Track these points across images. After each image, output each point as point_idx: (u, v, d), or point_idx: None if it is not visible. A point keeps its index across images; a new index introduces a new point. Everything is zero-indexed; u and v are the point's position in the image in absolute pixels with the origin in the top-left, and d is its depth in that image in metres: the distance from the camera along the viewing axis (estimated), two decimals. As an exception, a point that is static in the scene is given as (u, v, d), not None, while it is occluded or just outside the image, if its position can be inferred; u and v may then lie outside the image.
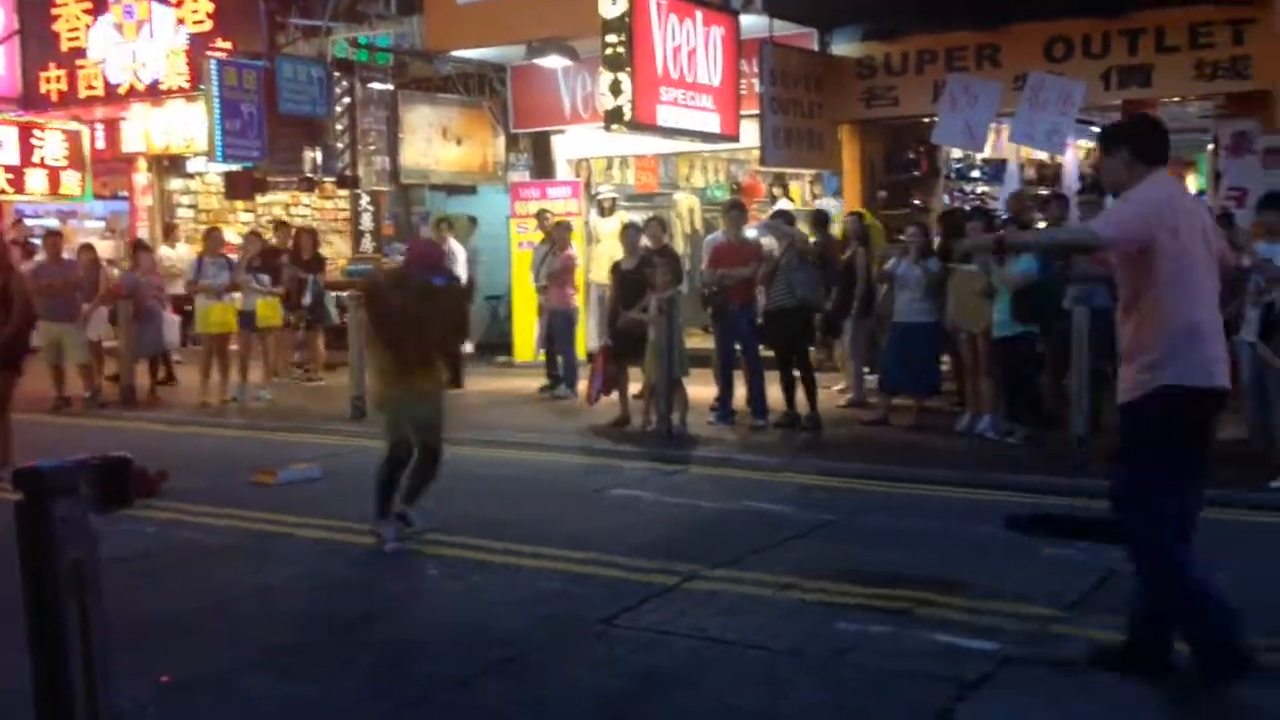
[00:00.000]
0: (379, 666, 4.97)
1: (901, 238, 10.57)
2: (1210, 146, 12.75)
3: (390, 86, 15.62)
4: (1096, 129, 15.67)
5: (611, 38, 11.44)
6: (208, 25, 16.79)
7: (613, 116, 11.60)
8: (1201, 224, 4.48)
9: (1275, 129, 11.09)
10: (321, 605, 5.89)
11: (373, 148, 15.44)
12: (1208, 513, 7.19)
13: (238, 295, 12.75)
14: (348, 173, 15.54)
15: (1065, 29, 12.43)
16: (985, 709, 4.42)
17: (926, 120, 12.89)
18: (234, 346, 12.88)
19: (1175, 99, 13.06)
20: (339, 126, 15.46)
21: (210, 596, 6.04)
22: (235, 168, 15.90)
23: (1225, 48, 11.69)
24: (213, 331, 12.50)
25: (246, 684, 4.81)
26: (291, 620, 5.64)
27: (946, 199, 14.71)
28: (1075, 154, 16.22)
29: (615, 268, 11.15)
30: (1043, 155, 15.16)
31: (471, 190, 16.85)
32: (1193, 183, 16.56)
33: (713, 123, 12.65)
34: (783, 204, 13.97)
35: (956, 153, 14.44)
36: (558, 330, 12.74)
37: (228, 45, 16.20)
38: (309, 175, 16.08)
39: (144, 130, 18.12)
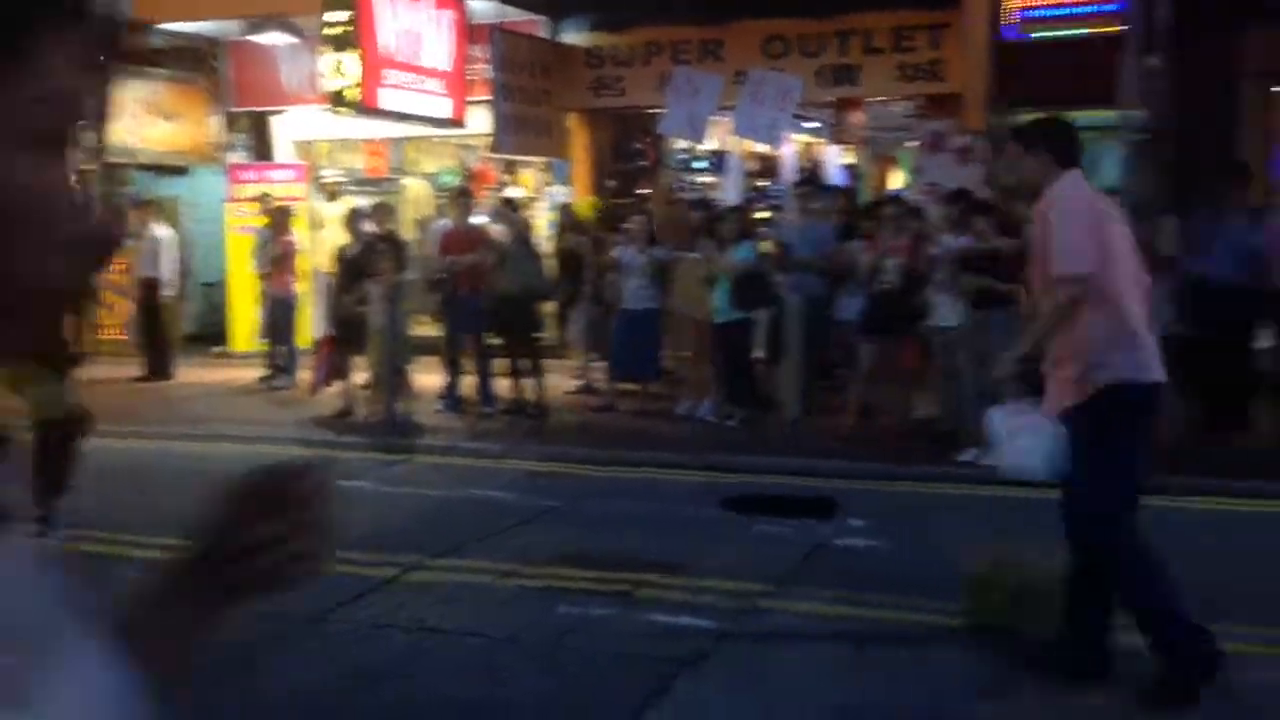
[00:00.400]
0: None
1: (627, 226, 10.74)
2: (911, 144, 13.58)
3: (94, 58, 14.58)
4: (813, 124, 16.50)
5: (335, 16, 11.10)
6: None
7: (336, 98, 11.27)
8: (1117, 217, 4.55)
9: (968, 129, 11.90)
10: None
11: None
12: (905, 487, 7.71)
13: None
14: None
15: (782, 28, 12.94)
16: (700, 685, 4.55)
17: (653, 111, 13.15)
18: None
19: (881, 98, 13.84)
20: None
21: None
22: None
23: (924, 51, 12.47)
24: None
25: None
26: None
27: (672, 188, 15.07)
28: (793, 147, 16.95)
29: (339, 254, 10.82)
30: (763, 148, 15.76)
31: (183, 171, 15.95)
32: (899, 178, 17.59)
33: (442, 108, 12.48)
34: (511, 191, 13.93)
35: (682, 144, 14.80)
36: (278, 318, 12.26)
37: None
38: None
39: None
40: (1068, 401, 4.42)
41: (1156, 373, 4.37)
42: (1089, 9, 11.26)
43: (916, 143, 13.22)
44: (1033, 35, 10.90)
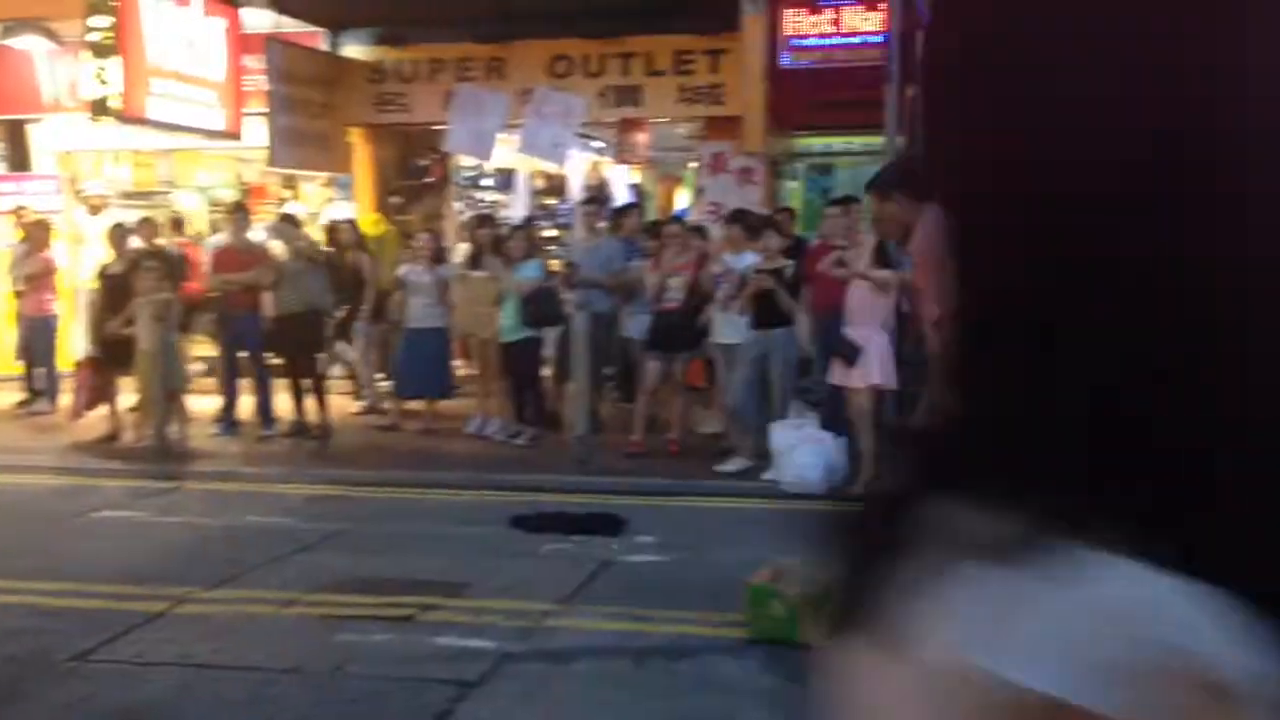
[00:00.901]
0: None
1: (413, 244, 10.60)
2: (694, 164, 13.92)
3: None
4: (597, 143, 16.69)
5: (98, 22, 10.54)
6: None
7: (98, 107, 10.69)
8: None
9: (745, 151, 12.26)
10: None
11: None
12: (692, 502, 7.87)
13: None
14: None
15: (566, 48, 13.04)
16: (483, 706, 4.51)
17: (438, 128, 13.03)
18: None
19: (664, 119, 14.12)
20: None
21: None
22: None
23: (704, 75, 12.78)
24: None
25: None
26: None
27: (459, 206, 14.97)
28: (580, 166, 17.11)
29: (101, 271, 10.27)
30: (550, 166, 15.84)
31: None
32: (682, 197, 17.97)
33: (214, 119, 12.01)
34: (291, 206, 13.55)
35: (468, 161, 14.72)
36: (36, 339, 11.53)
37: None
38: None
39: None
40: None
41: None
42: (855, 40, 11.81)
43: (697, 163, 13.56)
44: (807, 63, 11.34)
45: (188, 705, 4.51)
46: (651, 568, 6.37)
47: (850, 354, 7.60)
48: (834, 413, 8.24)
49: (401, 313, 10.43)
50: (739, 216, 9.32)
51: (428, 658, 5.01)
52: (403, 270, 10.47)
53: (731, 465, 8.45)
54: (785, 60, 11.57)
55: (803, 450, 7.85)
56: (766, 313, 8.32)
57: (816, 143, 12.80)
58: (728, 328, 8.80)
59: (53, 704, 4.52)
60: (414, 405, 10.52)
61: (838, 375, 7.84)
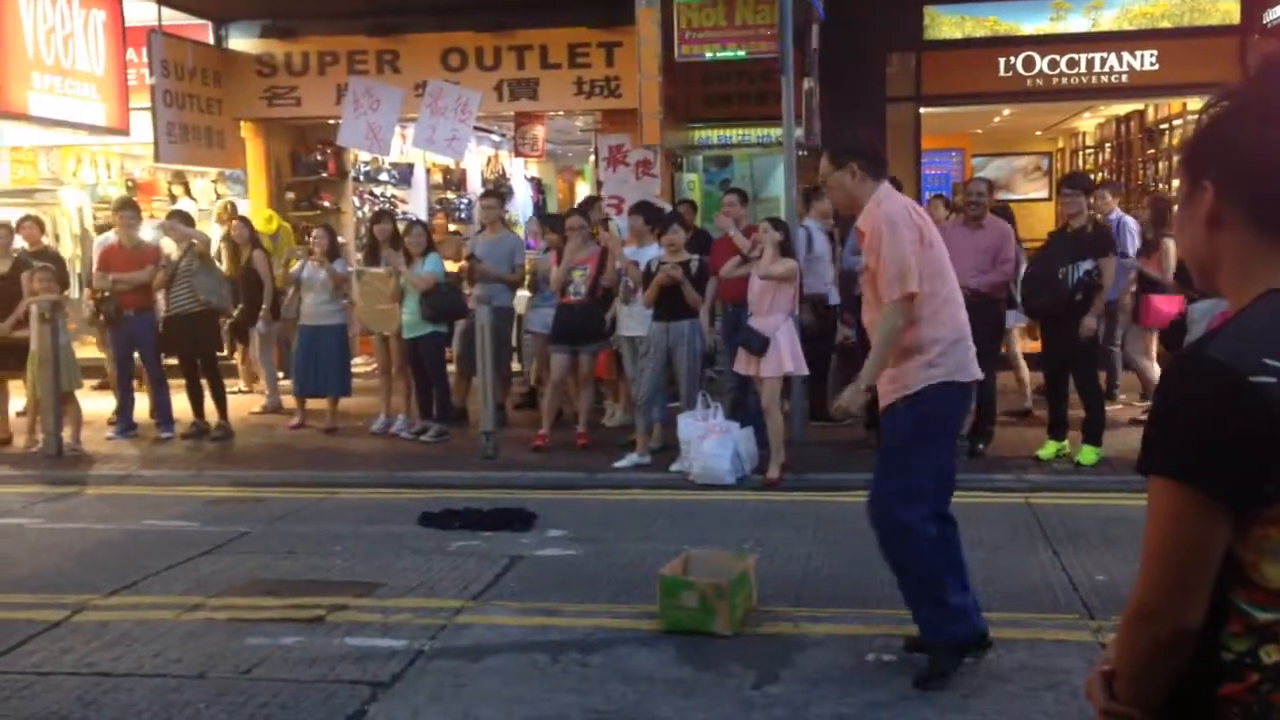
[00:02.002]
0: None
1: (308, 240, 10.45)
2: (592, 157, 13.95)
3: None
4: (496, 136, 16.61)
5: (-30, 14, 10.18)
6: None
7: (-25, 103, 10.32)
8: (929, 221, 4.63)
9: (643, 144, 12.32)
10: None
11: None
12: (602, 495, 7.92)
13: None
14: None
15: (459, 40, 12.97)
16: (396, 705, 4.50)
17: (332, 121, 12.85)
18: None
19: (560, 112, 14.11)
20: None
21: None
22: None
23: (600, 68, 12.83)
24: None
25: None
26: None
27: (356, 201, 14.79)
28: (478, 160, 17.02)
29: (-16, 272, 9.94)
30: (448, 160, 15.72)
31: None
32: (583, 190, 18.00)
33: (97, 114, 11.67)
34: (183, 203, 13.25)
35: (365, 155, 14.54)
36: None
37: None
38: None
39: None
40: (892, 398, 4.54)
41: (978, 372, 4.64)
42: (748, 33, 11.92)
43: (593, 156, 13.60)
44: (703, 56, 11.43)
45: (92, 715, 4.42)
46: (562, 561, 6.40)
47: (758, 345, 7.71)
48: (740, 402, 8.36)
49: (296, 310, 10.29)
50: (641, 209, 9.38)
51: (339, 659, 4.98)
52: (295, 267, 10.33)
53: (627, 461, 8.51)
54: (679, 53, 11.64)
55: (710, 441, 7.95)
56: (671, 305, 8.40)
57: (713, 135, 12.93)
58: (632, 321, 8.86)
59: (-50, 720, 4.40)
60: (317, 404, 10.39)
61: (744, 365, 7.96)
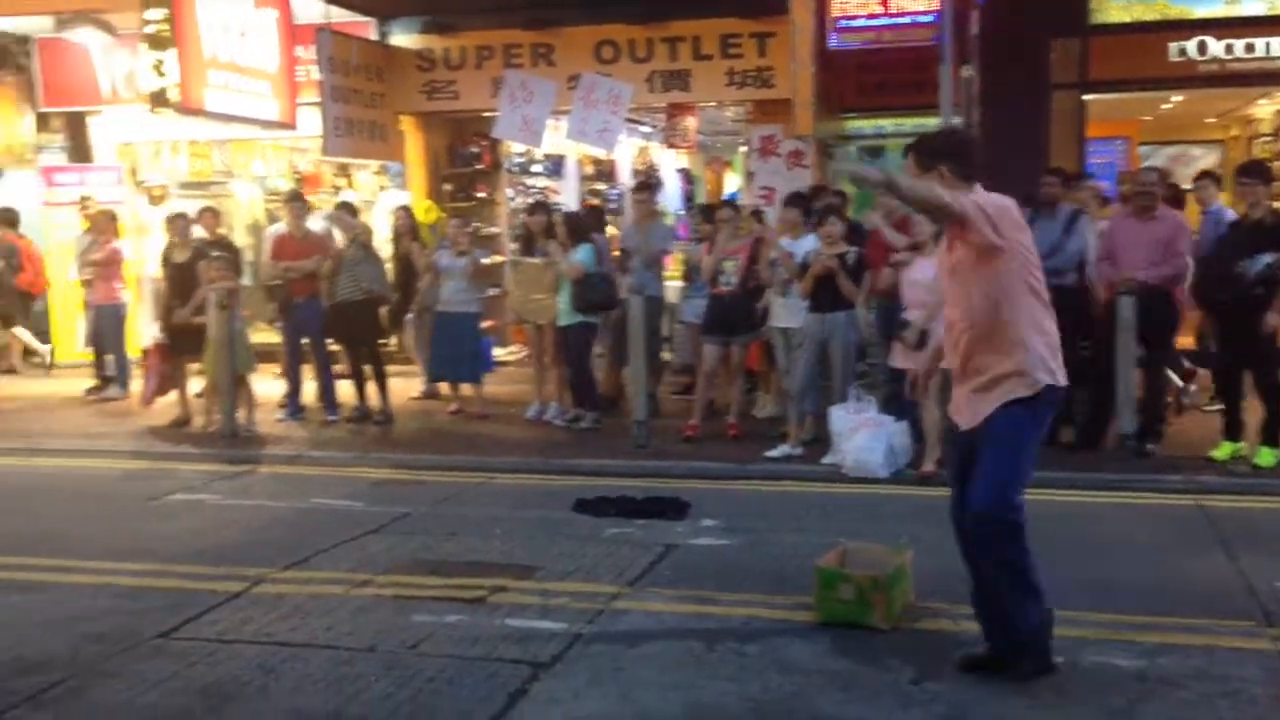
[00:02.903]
0: (-107, 712, 4.41)
1: (449, 230, 10.69)
2: (743, 148, 13.92)
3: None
4: (646, 128, 16.73)
5: (153, 14, 10.71)
6: None
7: (157, 100, 10.85)
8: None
9: (795, 134, 12.25)
10: None
11: None
12: (754, 486, 7.93)
13: None
14: None
15: (613, 33, 13.08)
16: (557, 686, 4.60)
17: (487, 115, 13.12)
18: None
19: (712, 103, 14.12)
20: None
21: None
22: None
23: (752, 58, 12.78)
24: None
25: None
26: None
27: (510, 192, 15.08)
28: (629, 151, 17.17)
29: (167, 261, 10.48)
30: (598, 152, 15.89)
31: (-5, 173, 15.15)
32: (732, 181, 17.98)
33: (269, 109, 12.17)
34: (347, 195, 13.70)
35: (518, 147, 14.81)
36: (105, 327, 11.79)
37: None
38: None
39: None
40: (992, 405, 4.39)
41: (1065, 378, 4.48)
42: (904, 20, 11.72)
43: (746, 147, 13.57)
44: (857, 44, 11.29)
45: (270, 683, 4.63)
46: (716, 551, 6.44)
47: (919, 338, 7.60)
48: (894, 396, 8.26)
49: (433, 297, 10.53)
50: (796, 200, 9.33)
51: (500, 638, 5.10)
52: (436, 255, 10.59)
53: (779, 452, 8.49)
54: (833, 42, 11.51)
55: (863, 434, 7.88)
56: (827, 297, 8.35)
57: (866, 125, 12.77)
58: (786, 312, 8.83)
59: (143, 680, 4.66)
60: (468, 391, 10.64)
61: (901, 358, 7.87)
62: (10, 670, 4.77)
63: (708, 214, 10.23)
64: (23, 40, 14.13)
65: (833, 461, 8.15)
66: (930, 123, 11.08)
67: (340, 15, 12.90)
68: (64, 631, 5.21)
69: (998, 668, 4.56)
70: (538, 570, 6.08)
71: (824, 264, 8.30)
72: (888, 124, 12.79)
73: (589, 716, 4.33)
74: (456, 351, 10.31)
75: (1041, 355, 4.35)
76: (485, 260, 10.50)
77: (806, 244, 8.76)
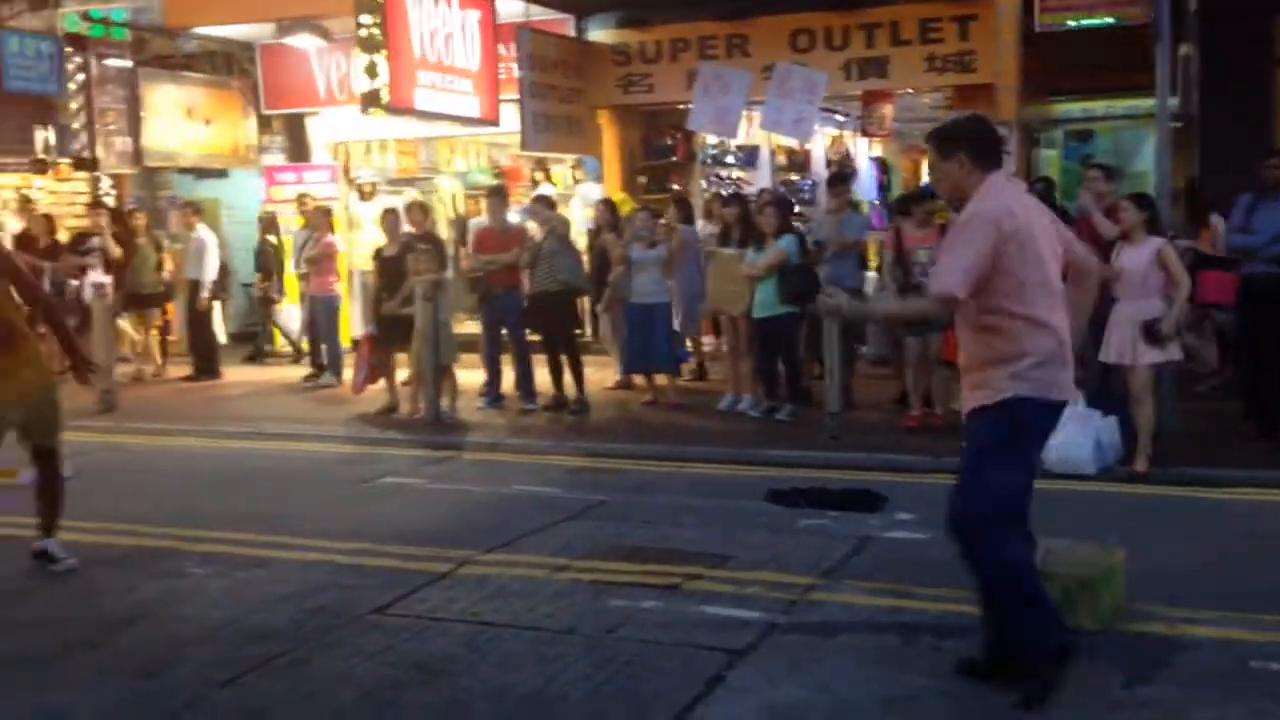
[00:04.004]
0: (139, 672, 4.78)
1: (638, 223, 10.78)
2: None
3: (129, 63, 14.79)
4: (840, 117, 16.52)
5: (366, 19, 11.21)
6: (-80, -6, 15.44)
7: (370, 100, 11.37)
8: (1043, 224, 4.30)
9: (998, 120, 11.90)
10: (75, 611, 5.58)
11: (112, 127, 14.59)
12: (952, 480, 7.75)
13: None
14: (85, 154, 14.62)
15: (808, 21, 12.99)
16: (752, 674, 4.63)
17: (681, 107, 13.23)
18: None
19: (909, 90, 13.85)
20: (74, 105, 14.51)
21: (-54, 610, 5.64)
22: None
23: (953, 43, 12.48)
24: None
25: (-9, 700, 4.54)
26: (44, 628, 5.32)
27: (704, 183, 15.15)
28: (822, 141, 16.98)
29: (377, 254, 10.96)
30: (792, 142, 15.79)
31: (222, 173, 16.16)
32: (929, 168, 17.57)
33: (473, 107, 12.59)
34: (544, 189, 14.03)
35: (712, 139, 14.87)
36: (320, 318, 12.44)
37: (-57, 16, 14.94)
38: (41, 156, 15.06)
39: None
40: (975, 403, 4.40)
41: (1067, 393, 4.33)
42: (1117, -5, 11.24)
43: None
44: (1064, 24, 10.88)
45: (476, 660, 4.81)
46: (912, 544, 6.34)
47: (1152, 334, 7.33)
48: (1102, 390, 7.96)
49: (626, 288, 10.66)
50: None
51: (695, 625, 5.16)
52: (627, 247, 10.70)
53: None
54: (1039, 23, 11.13)
55: (1069, 428, 7.60)
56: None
57: (1075, 108, 12.30)
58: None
59: (355, 653, 4.91)
60: (663, 381, 10.76)
61: (1115, 353, 7.57)
62: (241, 639, 5.10)
63: (903, 205, 10.04)
64: (247, 47, 15.01)
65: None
66: (1145, 104, 10.61)
67: (539, 14, 13.22)
68: (287, 605, 5.53)
69: (997, 674, 4.39)
70: (731, 559, 6.11)
71: None
72: (1098, 106, 12.30)
73: (786, 704, 4.33)
74: (649, 342, 10.43)
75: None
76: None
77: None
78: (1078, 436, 7.58)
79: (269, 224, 13.99)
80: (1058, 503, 7.10)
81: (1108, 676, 4.50)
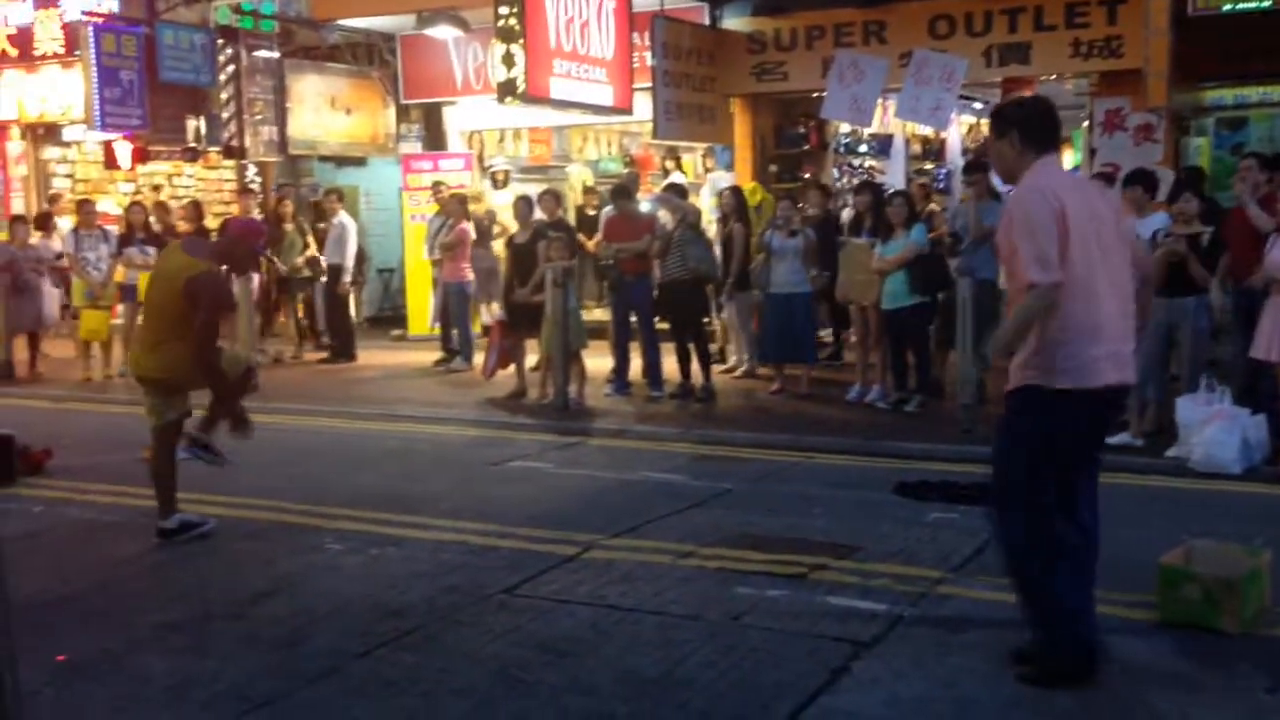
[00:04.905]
0: (278, 642, 4.96)
1: (780, 211, 10.71)
2: (1085, 123, 13.20)
3: (276, 54, 15.29)
4: (979, 105, 16.16)
5: (504, 9, 11.37)
6: (83, -11, 16.18)
7: (506, 89, 11.53)
8: (1090, 208, 4.19)
9: (1146, 107, 11.51)
10: (218, 582, 5.82)
11: (259, 117, 15.09)
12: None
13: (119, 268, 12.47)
14: (233, 143, 15.18)
15: (948, 7, 12.73)
16: (878, 666, 4.58)
17: (815, 95, 13.10)
18: (116, 320, 12.57)
19: (1053, 76, 13.47)
20: (224, 95, 15.07)
21: (102, 574, 5.94)
22: (115, 136, 15.42)
23: (1100, 27, 12.10)
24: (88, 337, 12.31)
25: (141, 663, 4.76)
26: (187, 597, 5.57)
27: (836, 172, 14.99)
28: (958, 129, 16.65)
29: (509, 241, 11.13)
30: (927, 130, 15.51)
31: (361, 162, 16.62)
32: (1069, 158, 17.09)
33: (606, 95, 12.67)
34: (675, 177, 14.06)
35: (845, 127, 14.70)
36: (452, 303, 12.69)
37: (105, 10, 15.64)
38: (192, 145, 15.70)
39: (17, 97, 17.41)
40: (1009, 385, 4.34)
41: (1105, 376, 4.18)
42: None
43: (1087, 122, 12.85)
44: (1219, 8, 10.44)
45: (602, 642, 4.87)
46: (1046, 541, 6.18)
47: None
48: (1250, 388, 7.65)
49: (765, 277, 10.60)
50: (1139, 177, 8.77)
51: (821, 615, 5.13)
52: (766, 236, 10.64)
53: (1116, 440, 8.01)
54: (1194, 6, 10.69)
55: (1215, 427, 7.34)
56: (1176, 280, 7.81)
57: (1228, 94, 11.79)
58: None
59: (489, 631, 5.02)
60: (794, 370, 10.70)
61: (1263, 349, 7.27)
62: (375, 615, 5.25)
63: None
64: (388, 38, 15.38)
65: (1178, 454, 7.63)
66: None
67: (674, 2, 13.23)
68: (419, 583, 5.68)
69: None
70: (858, 550, 6.06)
71: (1169, 247, 7.76)
72: (1252, 92, 11.77)
73: (911, 699, 4.28)
74: (788, 332, 10.37)
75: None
76: (813, 240, 10.47)
77: (1154, 222, 8.22)
78: (1222, 435, 7.31)
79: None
80: (1198, 502, 6.89)
81: (1251, 678, 4.34)
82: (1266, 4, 10.05)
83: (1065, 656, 4.33)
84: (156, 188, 15.58)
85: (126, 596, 5.62)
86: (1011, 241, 4.13)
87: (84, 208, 12.82)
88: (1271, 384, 7.45)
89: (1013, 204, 4.18)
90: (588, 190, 14.98)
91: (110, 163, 16.26)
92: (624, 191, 11.19)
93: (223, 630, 5.14)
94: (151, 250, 12.67)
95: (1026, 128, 4.24)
